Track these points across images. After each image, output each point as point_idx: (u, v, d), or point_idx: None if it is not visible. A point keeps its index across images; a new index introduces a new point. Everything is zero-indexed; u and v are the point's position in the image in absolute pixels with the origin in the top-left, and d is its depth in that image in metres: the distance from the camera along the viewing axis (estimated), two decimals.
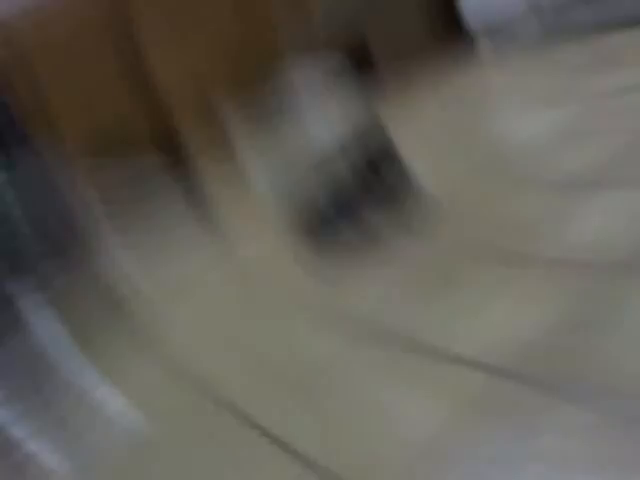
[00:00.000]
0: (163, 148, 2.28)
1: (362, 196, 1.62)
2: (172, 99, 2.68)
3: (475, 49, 2.85)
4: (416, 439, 0.80)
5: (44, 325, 1.41)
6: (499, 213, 1.34)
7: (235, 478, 0.90)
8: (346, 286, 1.34)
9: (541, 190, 1.33)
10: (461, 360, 0.94)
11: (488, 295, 1.11)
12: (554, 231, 1.17)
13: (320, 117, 2.86)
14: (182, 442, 1.03)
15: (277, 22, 3.32)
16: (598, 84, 1.82)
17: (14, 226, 1.63)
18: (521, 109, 1.92)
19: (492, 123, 1.97)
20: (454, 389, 0.90)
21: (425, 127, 2.20)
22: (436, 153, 1.89)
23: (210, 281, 1.55)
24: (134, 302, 1.50)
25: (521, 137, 1.72)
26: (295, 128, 2.73)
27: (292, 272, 1.47)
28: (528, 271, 1.10)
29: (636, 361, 0.79)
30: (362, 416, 0.92)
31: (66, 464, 1.12)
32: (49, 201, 1.82)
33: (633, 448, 0.67)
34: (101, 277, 1.68)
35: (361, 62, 3.18)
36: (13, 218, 1.66)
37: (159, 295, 1.51)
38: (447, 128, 2.08)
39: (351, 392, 0.98)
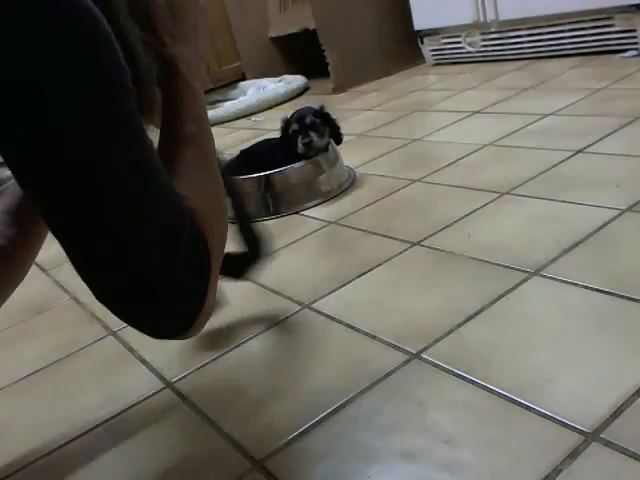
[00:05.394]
0: None
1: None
2: None
3: (421, 52, 2.83)
4: None
5: None
6: (409, 204, 1.37)
7: None
8: None
9: (454, 191, 1.36)
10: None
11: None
12: (456, 227, 1.19)
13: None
14: None
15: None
16: (531, 105, 1.86)
17: None
18: (454, 117, 1.95)
19: (425, 126, 1.99)
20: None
21: (361, 120, 2.20)
22: (367, 145, 1.91)
23: None
24: None
25: (447, 141, 1.75)
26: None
27: None
28: (417, 253, 1.12)
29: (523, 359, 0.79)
30: None
31: None
32: None
33: None
34: None
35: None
36: None
37: None
38: (381, 123, 2.09)
39: None
